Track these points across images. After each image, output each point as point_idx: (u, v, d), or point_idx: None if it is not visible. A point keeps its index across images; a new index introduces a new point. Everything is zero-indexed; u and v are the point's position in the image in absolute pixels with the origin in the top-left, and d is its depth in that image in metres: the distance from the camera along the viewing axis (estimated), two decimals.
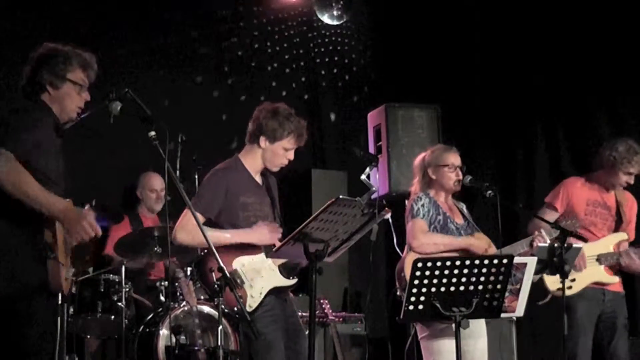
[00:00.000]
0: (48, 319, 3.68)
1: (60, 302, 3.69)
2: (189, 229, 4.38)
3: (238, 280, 4.38)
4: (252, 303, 4.40)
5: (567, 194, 5.79)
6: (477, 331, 4.82)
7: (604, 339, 5.67)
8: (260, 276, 4.48)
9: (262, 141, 4.59)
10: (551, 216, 5.66)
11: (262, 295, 4.45)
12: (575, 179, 5.90)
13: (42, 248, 3.62)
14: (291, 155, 4.66)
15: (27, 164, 3.62)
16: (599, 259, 5.62)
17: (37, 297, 3.65)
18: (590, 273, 5.57)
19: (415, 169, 5.19)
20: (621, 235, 5.72)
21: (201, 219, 4.36)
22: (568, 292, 5.41)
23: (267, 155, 4.62)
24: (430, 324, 4.70)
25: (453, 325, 4.22)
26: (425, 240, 4.85)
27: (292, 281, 4.58)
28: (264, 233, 4.48)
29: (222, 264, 3.92)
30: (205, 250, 4.52)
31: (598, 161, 5.78)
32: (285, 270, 4.56)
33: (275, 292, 4.52)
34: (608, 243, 5.68)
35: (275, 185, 4.82)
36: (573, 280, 5.45)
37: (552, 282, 5.34)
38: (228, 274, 3.91)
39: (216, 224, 4.53)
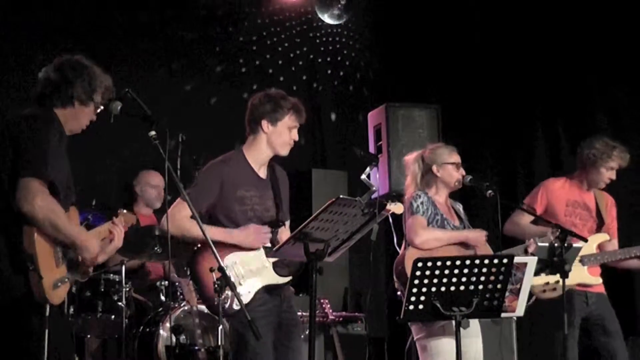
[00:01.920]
0: (39, 330, 3.61)
1: (48, 313, 3.61)
2: (175, 221, 4.34)
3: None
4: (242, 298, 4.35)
5: (547, 195, 5.76)
6: (473, 331, 4.82)
7: (598, 342, 5.60)
8: (252, 274, 4.43)
9: (265, 125, 4.54)
10: (530, 218, 5.66)
11: (252, 294, 4.40)
12: (554, 180, 5.88)
13: (22, 258, 3.57)
14: (295, 135, 4.60)
15: (52, 185, 3.61)
16: (582, 260, 5.54)
17: (25, 307, 3.60)
18: (573, 274, 5.46)
19: (412, 166, 5.11)
20: (603, 236, 5.69)
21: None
22: (553, 294, 5.36)
23: (272, 139, 4.55)
24: (427, 324, 4.69)
25: (452, 323, 4.22)
26: (427, 235, 4.82)
27: (284, 279, 4.51)
28: (249, 235, 4.42)
29: (221, 264, 3.92)
30: (199, 246, 4.48)
31: (578, 161, 5.78)
32: (283, 267, 4.50)
33: (269, 288, 4.48)
34: (591, 244, 5.59)
35: (284, 179, 4.75)
36: (557, 282, 5.42)
37: (536, 283, 5.27)
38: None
39: (211, 216, 4.49)
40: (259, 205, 4.55)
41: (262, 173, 4.64)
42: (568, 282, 5.39)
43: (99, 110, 3.93)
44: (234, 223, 4.47)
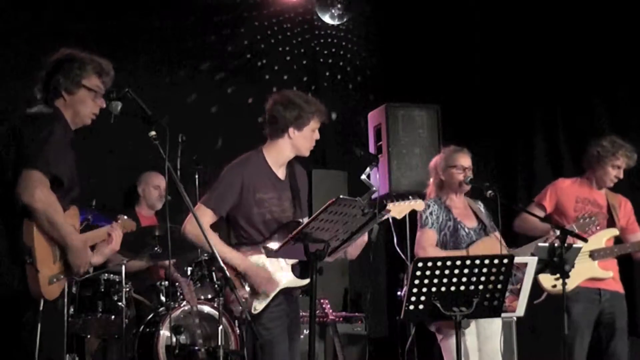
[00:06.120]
0: (32, 324, 3.63)
1: (41, 308, 3.63)
2: (195, 227, 4.23)
3: (247, 287, 4.37)
4: (257, 306, 4.35)
5: (555, 192, 5.84)
6: (495, 331, 4.84)
7: (602, 339, 5.66)
8: (274, 275, 4.42)
9: (291, 132, 4.52)
10: (539, 214, 5.70)
11: (270, 298, 4.39)
12: (564, 179, 5.99)
13: (20, 250, 3.59)
14: (317, 135, 4.61)
15: (55, 178, 3.63)
16: (592, 254, 5.63)
17: (20, 300, 3.62)
18: (584, 269, 5.55)
19: (431, 170, 5.25)
20: (613, 231, 5.77)
21: (212, 216, 4.39)
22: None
23: (298, 143, 4.56)
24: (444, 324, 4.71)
25: (461, 325, 4.22)
26: (433, 255, 4.85)
27: (303, 281, 4.47)
28: (259, 276, 4.37)
29: (222, 264, 3.92)
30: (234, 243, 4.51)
31: (585, 161, 5.88)
32: (300, 268, 4.49)
33: (287, 290, 4.47)
34: (600, 239, 5.70)
35: (303, 176, 4.76)
36: (567, 276, 5.44)
37: (547, 280, 5.33)
38: (228, 274, 3.92)
39: (231, 218, 4.50)
40: (277, 207, 4.53)
41: (281, 174, 4.63)
42: (580, 276, 5.45)
43: (100, 95, 3.89)
44: (252, 225, 4.48)
